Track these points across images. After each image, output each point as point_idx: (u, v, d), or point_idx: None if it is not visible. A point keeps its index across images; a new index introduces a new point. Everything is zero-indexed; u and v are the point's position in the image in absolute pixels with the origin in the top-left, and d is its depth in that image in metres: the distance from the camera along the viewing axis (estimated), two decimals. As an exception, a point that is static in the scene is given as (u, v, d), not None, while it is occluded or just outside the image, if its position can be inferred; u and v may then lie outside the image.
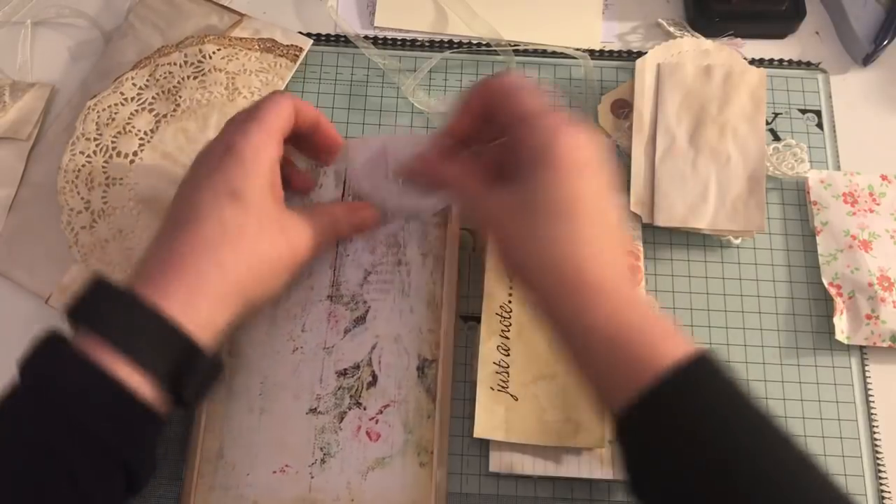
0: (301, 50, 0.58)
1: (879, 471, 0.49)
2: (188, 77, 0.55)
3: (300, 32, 0.61)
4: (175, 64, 0.56)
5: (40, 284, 0.52)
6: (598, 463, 0.47)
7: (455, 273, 0.50)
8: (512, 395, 0.47)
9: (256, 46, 0.57)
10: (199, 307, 0.38)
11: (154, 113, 0.54)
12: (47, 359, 0.36)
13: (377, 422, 0.47)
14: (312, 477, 0.46)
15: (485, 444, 0.48)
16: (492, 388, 0.47)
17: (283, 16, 0.62)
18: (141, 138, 0.53)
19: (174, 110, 0.54)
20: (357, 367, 0.48)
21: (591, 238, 0.37)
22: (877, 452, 0.50)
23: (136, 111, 0.54)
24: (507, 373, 0.48)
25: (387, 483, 0.46)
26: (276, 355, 0.49)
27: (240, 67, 0.56)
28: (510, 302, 0.49)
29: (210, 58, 0.56)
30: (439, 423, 0.46)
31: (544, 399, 0.47)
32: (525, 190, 0.38)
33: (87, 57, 0.60)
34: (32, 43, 0.61)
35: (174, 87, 0.55)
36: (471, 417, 0.47)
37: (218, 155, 0.42)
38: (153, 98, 0.54)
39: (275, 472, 0.46)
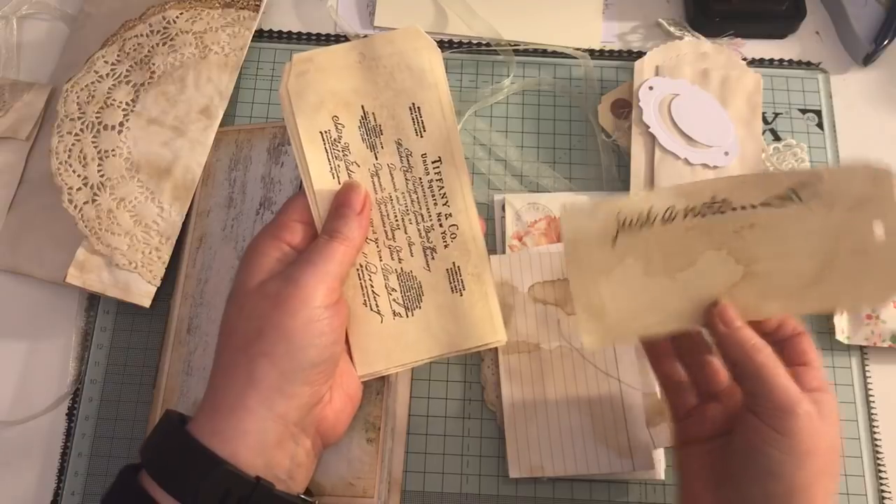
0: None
1: (879, 471, 0.49)
2: (157, 44, 0.56)
3: (301, 33, 0.61)
4: (142, 35, 0.56)
5: (52, 271, 0.52)
6: (616, 456, 0.47)
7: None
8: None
9: (217, 3, 0.58)
10: (245, 430, 0.36)
11: (131, 84, 0.54)
12: (118, 492, 0.38)
13: None
14: None
15: (503, 446, 0.48)
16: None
17: (283, 15, 0.62)
18: (124, 109, 0.53)
19: (150, 77, 0.54)
20: None
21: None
22: (877, 452, 0.49)
23: (114, 85, 0.54)
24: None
25: (332, 459, 0.45)
26: None
27: (205, 26, 0.57)
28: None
29: (175, 22, 0.57)
30: (386, 399, 0.46)
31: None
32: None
33: (58, 48, 0.61)
34: (7, 38, 0.61)
35: (145, 56, 0.55)
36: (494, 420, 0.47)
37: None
38: (127, 70, 0.55)
39: None
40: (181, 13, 0.57)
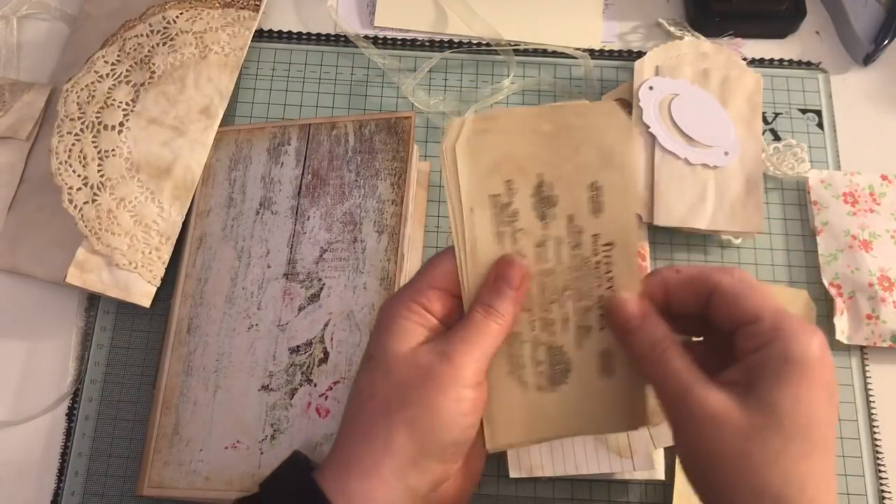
0: None
1: (879, 471, 0.49)
2: (157, 44, 0.56)
3: (301, 32, 0.61)
4: (142, 35, 0.56)
5: (52, 271, 0.52)
6: (616, 456, 0.47)
7: (418, 250, 0.51)
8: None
9: (217, 3, 0.58)
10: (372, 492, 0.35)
11: (132, 84, 0.54)
12: None
13: (327, 398, 0.47)
14: (262, 453, 0.46)
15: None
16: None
17: (283, 15, 0.62)
18: (124, 109, 0.53)
19: (150, 77, 0.55)
20: (309, 343, 0.49)
21: (826, 470, 0.34)
22: (877, 452, 0.49)
23: (114, 85, 0.54)
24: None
25: None
26: (232, 333, 0.50)
27: (205, 26, 0.57)
28: None
29: (175, 22, 0.57)
30: None
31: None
32: (759, 400, 0.33)
33: (58, 48, 0.62)
34: (7, 38, 0.61)
35: (145, 56, 0.55)
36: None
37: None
38: (127, 70, 0.55)
39: (226, 447, 0.47)
40: (181, 13, 0.57)
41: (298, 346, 0.49)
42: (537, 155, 0.37)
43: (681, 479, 0.47)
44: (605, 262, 0.38)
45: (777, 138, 0.58)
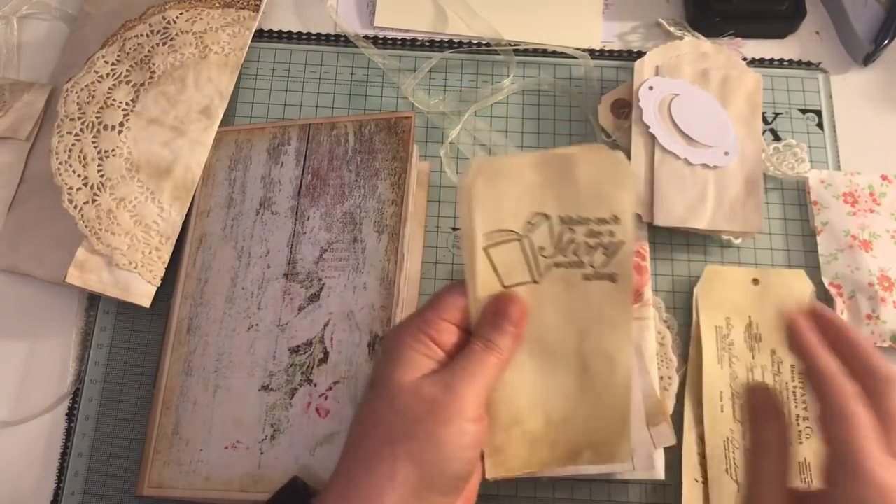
0: None
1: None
2: (157, 45, 0.56)
3: (301, 33, 0.61)
4: (142, 35, 0.56)
5: (52, 271, 0.52)
6: None
7: (418, 250, 0.52)
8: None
9: (217, 3, 0.58)
10: None
11: (131, 84, 0.54)
12: None
13: (327, 398, 0.47)
14: (262, 453, 0.46)
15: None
16: (696, 480, 0.47)
17: (283, 15, 0.62)
18: (124, 109, 0.53)
19: (150, 77, 0.55)
20: (309, 343, 0.49)
21: None
22: (877, 453, 0.50)
23: (114, 85, 0.54)
24: (705, 465, 0.48)
25: (334, 459, 0.45)
26: (232, 333, 0.50)
27: (205, 26, 0.57)
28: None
29: (175, 22, 0.57)
30: None
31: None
32: None
33: (58, 48, 0.62)
34: (7, 38, 0.61)
35: (145, 56, 0.55)
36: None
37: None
38: (127, 70, 0.55)
39: (226, 447, 0.47)
40: (181, 13, 0.57)
41: (298, 346, 0.49)
42: (750, 304, 0.51)
43: (688, 481, 0.47)
44: (801, 389, 0.49)
45: (777, 138, 0.58)
